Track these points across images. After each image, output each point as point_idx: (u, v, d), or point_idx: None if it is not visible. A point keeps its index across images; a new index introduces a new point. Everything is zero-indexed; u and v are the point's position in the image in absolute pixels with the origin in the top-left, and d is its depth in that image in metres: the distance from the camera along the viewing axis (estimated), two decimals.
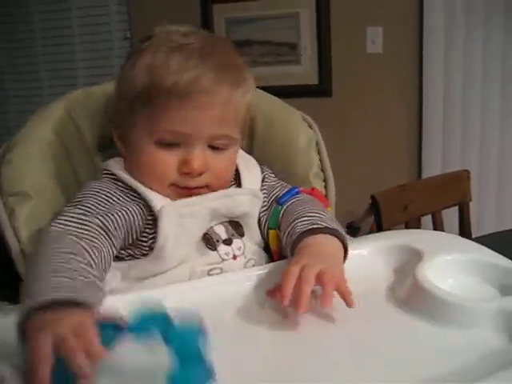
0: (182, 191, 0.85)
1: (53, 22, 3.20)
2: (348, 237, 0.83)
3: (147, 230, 0.84)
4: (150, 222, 0.84)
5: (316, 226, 0.81)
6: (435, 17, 2.52)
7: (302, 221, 0.83)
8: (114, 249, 0.81)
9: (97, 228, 0.78)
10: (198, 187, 0.85)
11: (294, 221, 0.83)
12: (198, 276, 0.82)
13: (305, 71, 2.82)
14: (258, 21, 2.83)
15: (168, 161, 0.83)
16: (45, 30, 3.22)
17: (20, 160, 0.90)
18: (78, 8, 3.16)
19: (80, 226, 0.77)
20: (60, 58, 3.22)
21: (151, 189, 0.84)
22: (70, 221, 0.78)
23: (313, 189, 0.95)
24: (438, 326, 0.67)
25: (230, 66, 0.84)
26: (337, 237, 0.80)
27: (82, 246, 0.74)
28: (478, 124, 2.57)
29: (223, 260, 0.85)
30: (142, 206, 0.84)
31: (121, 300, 0.73)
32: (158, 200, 0.83)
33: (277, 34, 2.82)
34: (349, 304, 0.70)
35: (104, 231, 0.79)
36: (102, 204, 0.82)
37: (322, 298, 0.69)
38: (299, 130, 1.03)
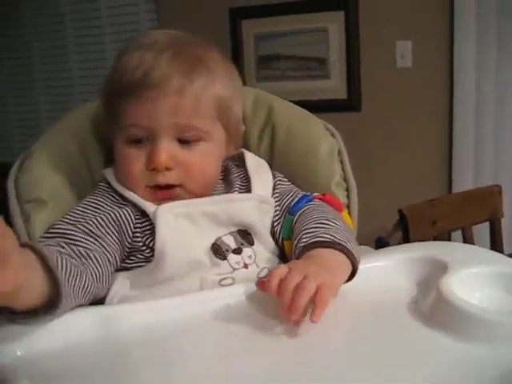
0: (156, 193, 0.85)
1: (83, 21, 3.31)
2: (368, 248, 0.80)
3: (145, 234, 0.84)
4: (146, 225, 0.84)
5: (319, 239, 0.78)
6: (466, 30, 2.47)
7: (307, 233, 0.80)
8: (104, 249, 0.80)
9: (77, 233, 0.80)
10: (169, 185, 0.84)
11: (300, 233, 0.81)
12: (210, 286, 0.81)
13: (334, 86, 2.80)
14: (287, 36, 2.83)
15: (136, 158, 0.84)
16: (75, 21, 3.33)
17: (38, 167, 0.91)
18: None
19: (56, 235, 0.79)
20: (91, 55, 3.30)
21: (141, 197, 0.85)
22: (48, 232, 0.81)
23: (324, 194, 0.92)
24: (463, 341, 0.64)
25: (186, 57, 0.84)
26: (341, 251, 0.76)
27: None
28: (511, 138, 2.51)
29: (234, 269, 0.83)
30: (133, 210, 0.85)
31: (128, 309, 0.74)
32: (149, 204, 0.84)
33: (306, 49, 2.81)
34: (311, 318, 0.66)
35: (86, 234, 0.80)
36: (87, 212, 0.84)
37: (291, 306, 0.67)
38: (321, 138, 1.00)
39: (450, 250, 0.86)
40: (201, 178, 0.87)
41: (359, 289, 0.77)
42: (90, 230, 0.81)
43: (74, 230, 0.80)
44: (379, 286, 0.79)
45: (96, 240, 0.80)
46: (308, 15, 2.78)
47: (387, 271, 0.82)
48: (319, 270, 0.70)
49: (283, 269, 0.70)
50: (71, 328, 0.69)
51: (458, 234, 1.84)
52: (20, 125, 3.58)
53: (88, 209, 0.85)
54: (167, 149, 0.83)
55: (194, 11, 2.93)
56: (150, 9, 3.14)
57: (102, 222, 0.82)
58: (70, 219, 0.83)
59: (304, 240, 0.79)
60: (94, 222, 0.82)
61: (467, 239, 1.82)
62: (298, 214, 0.87)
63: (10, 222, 0.87)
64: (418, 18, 2.58)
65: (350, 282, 0.76)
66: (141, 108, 0.82)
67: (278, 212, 0.91)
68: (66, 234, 0.79)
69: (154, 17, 3.13)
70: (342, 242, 0.77)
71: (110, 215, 0.83)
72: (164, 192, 0.85)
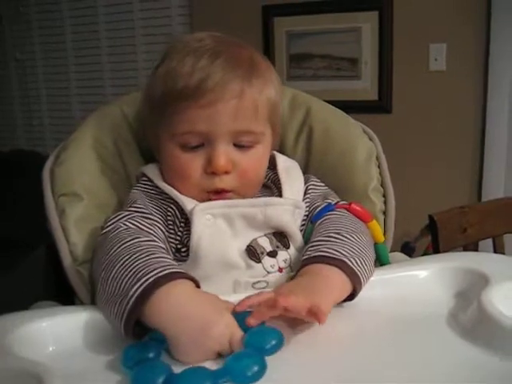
0: (211, 197, 0.84)
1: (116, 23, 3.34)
2: (402, 256, 0.78)
3: (183, 232, 0.83)
4: (184, 224, 0.83)
5: (319, 253, 0.75)
6: (503, 34, 2.43)
7: (311, 247, 0.78)
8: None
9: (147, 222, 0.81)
10: (225, 190, 0.83)
11: (307, 244, 0.80)
12: (243, 288, 0.80)
13: (365, 87, 2.77)
14: (319, 35, 2.80)
15: (193, 163, 0.83)
16: (109, 31, 3.36)
17: (73, 160, 0.91)
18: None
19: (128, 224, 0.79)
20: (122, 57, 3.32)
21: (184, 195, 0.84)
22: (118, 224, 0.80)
23: (350, 204, 0.87)
24: (507, 359, 0.61)
25: (241, 61, 0.83)
26: (340, 268, 0.73)
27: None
28: None
29: (268, 273, 0.82)
30: (174, 208, 0.84)
31: None
32: (189, 201, 0.83)
33: (338, 49, 2.79)
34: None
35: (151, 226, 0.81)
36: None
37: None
38: (359, 141, 0.99)
39: (490, 262, 0.83)
40: (254, 181, 0.87)
41: (391, 299, 0.75)
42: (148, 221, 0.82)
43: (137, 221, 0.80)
44: (413, 296, 0.77)
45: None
46: (341, 14, 2.75)
47: (422, 281, 0.80)
48: (305, 291, 0.68)
49: (267, 294, 0.69)
50: (103, 325, 0.69)
51: (487, 243, 1.81)
52: (53, 115, 3.66)
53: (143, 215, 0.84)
54: (226, 152, 0.82)
55: (226, 7, 2.92)
56: (182, 4, 3.14)
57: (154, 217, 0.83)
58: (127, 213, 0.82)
59: (307, 253, 0.77)
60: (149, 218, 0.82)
61: (498, 249, 1.79)
62: (317, 223, 0.85)
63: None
64: (454, 20, 2.54)
65: (381, 291, 0.75)
66: (199, 113, 0.80)
67: (304, 217, 0.89)
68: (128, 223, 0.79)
69: (186, 12, 3.12)
70: (344, 258, 0.74)
71: (156, 209, 0.84)
72: (218, 196, 0.84)
